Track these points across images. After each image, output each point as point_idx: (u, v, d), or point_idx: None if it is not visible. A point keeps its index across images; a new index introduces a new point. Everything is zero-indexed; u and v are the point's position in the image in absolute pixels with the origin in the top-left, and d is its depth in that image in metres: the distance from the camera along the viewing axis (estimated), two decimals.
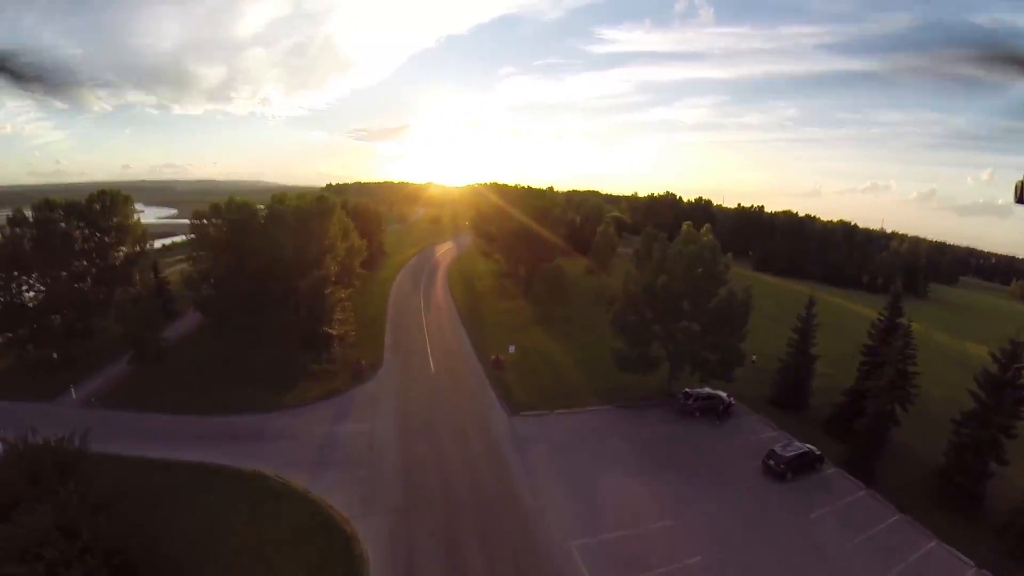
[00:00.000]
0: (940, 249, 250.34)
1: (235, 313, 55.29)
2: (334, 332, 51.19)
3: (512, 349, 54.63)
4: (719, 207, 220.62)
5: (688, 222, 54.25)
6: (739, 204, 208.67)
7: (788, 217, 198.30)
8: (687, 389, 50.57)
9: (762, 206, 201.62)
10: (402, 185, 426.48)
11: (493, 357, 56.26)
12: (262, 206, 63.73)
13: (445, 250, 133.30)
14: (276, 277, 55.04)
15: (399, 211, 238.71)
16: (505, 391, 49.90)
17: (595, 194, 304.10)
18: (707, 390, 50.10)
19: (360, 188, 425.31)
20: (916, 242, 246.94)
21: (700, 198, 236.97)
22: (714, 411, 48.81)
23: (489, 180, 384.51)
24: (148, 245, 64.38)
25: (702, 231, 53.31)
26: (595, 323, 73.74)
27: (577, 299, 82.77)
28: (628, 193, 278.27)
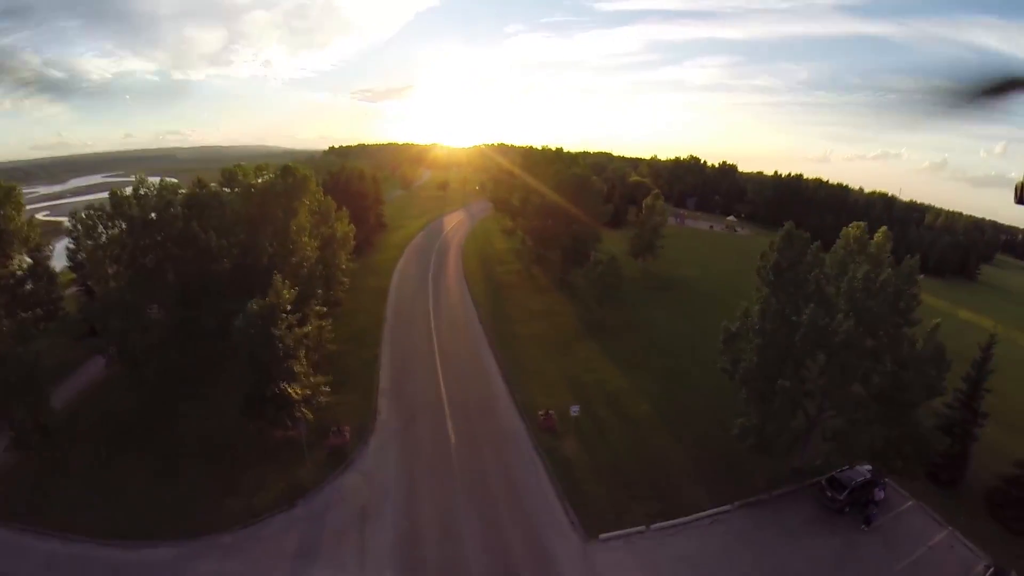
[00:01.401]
0: (978, 226, 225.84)
1: (152, 354, 35.52)
2: (293, 393, 31.38)
3: (576, 411, 34.95)
4: (757, 174, 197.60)
5: (858, 223, 33.84)
6: (776, 172, 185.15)
7: (830, 188, 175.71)
8: (835, 473, 31.85)
9: (800, 174, 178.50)
10: (407, 147, 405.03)
11: (542, 414, 36.76)
12: (214, 184, 43.59)
13: (455, 222, 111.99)
14: (212, 297, 35.27)
15: (403, 175, 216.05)
16: (570, 485, 30.60)
17: (609, 156, 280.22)
18: (858, 471, 32.32)
19: (363, 151, 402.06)
20: (952, 217, 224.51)
21: (724, 162, 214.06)
22: (866, 503, 31.00)
23: (496, 141, 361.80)
24: (48, 252, 43.54)
25: (876, 238, 33.16)
26: (664, 334, 54.04)
27: (629, 294, 62.61)
28: (640, 155, 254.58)
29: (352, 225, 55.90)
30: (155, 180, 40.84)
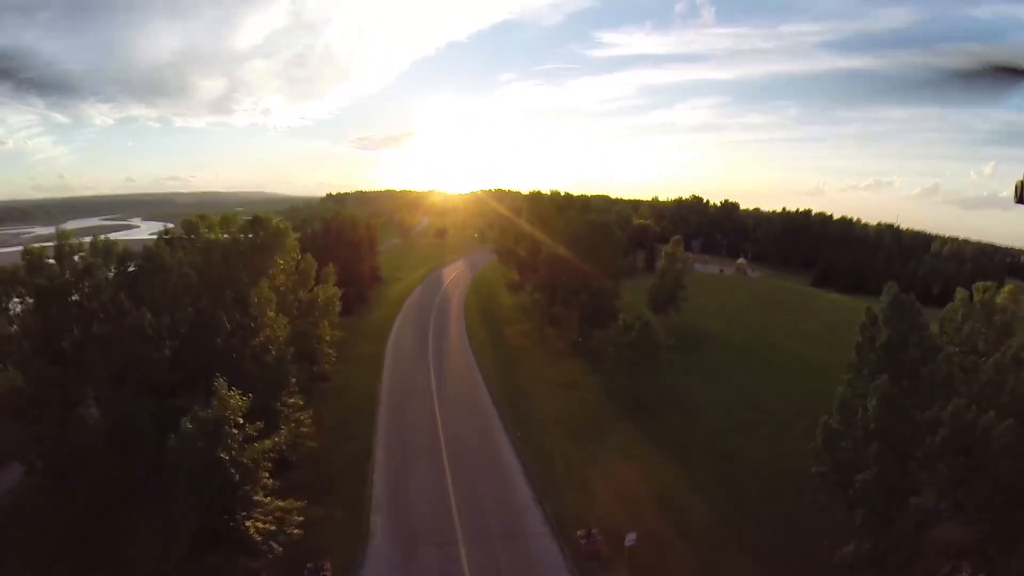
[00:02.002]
0: (984, 252, 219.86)
1: (81, 463, 27.12)
2: (253, 530, 22.80)
3: (632, 539, 26.34)
4: (757, 211, 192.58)
5: (984, 284, 26.31)
6: (784, 208, 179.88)
7: (838, 222, 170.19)
8: None
9: (809, 209, 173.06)
10: (404, 194, 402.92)
11: (582, 536, 28.11)
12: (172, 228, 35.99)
13: (456, 274, 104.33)
14: (148, 394, 27.03)
15: (400, 221, 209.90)
16: None
17: (606, 199, 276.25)
18: None
19: (360, 197, 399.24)
20: (959, 244, 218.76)
21: (726, 201, 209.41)
22: None
23: (493, 187, 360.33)
24: None
25: (1002, 295, 25.64)
26: (707, 407, 45.68)
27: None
28: (635, 196, 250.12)
29: (338, 288, 47.83)
30: (104, 237, 33.26)
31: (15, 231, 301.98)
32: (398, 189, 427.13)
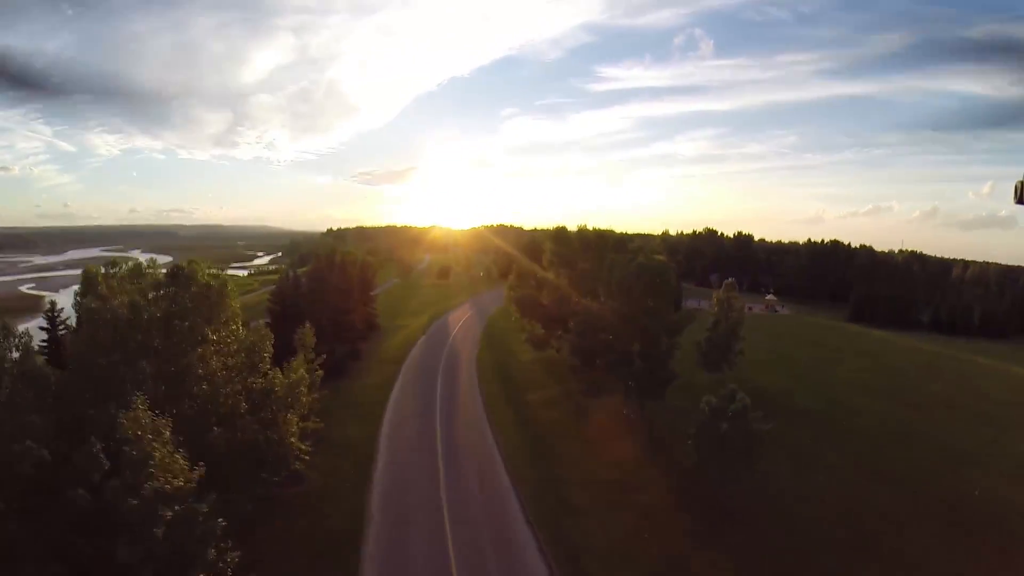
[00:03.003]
0: (1006, 274, 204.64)
1: None
2: None
3: None
4: (777, 243, 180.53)
5: None
6: (809, 239, 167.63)
7: (867, 251, 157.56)
8: None
9: (836, 240, 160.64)
10: (405, 229, 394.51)
11: None
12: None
13: (463, 320, 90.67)
14: None
15: (401, 258, 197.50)
16: None
17: (612, 233, 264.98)
18: None
19: (361, 233, 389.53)
20: (980, 267, 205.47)
21: (740, 232, 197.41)
22: None
23: (495, 222, 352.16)
24: None
25: None
26: (808, 509, 32.24)
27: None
28: (639, 229, 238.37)
29: (312, 361, 34.61)
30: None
31: (14, 259, 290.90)
32: (399, 224, 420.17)
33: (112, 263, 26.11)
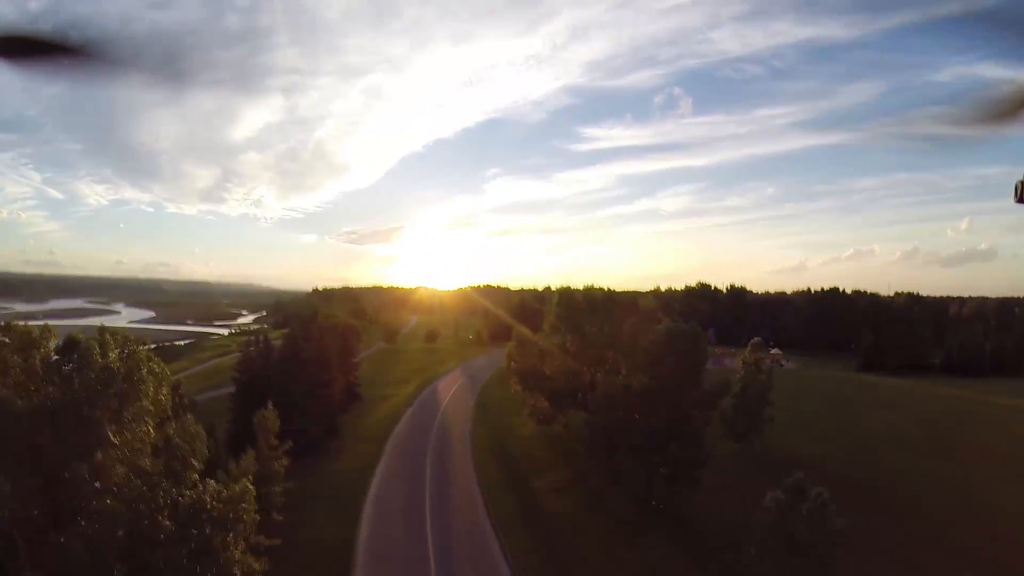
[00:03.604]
0: (1004, 306, 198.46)
1: None
2: None
3: None
4: (770, 294, 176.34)
5: None
6: (808, 288, 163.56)
7: (869, 297, 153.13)
8: None
9: (836, 287, 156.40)
10: (391, 290, 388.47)
11: None
12: None
13: (454, 390, 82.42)
14: None
15: (387, 320, 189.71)
16: None
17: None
18: None
19: (348, 293, 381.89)
20: (979, 303, 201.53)
21: (733, 285, 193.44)
22: None
23: (482, 282, 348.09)
24: None
25: None
26: None
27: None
28: (624, 286, 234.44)
29: (246, 483, 26.76)
30: None
31: None
32: (386, 285, 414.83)
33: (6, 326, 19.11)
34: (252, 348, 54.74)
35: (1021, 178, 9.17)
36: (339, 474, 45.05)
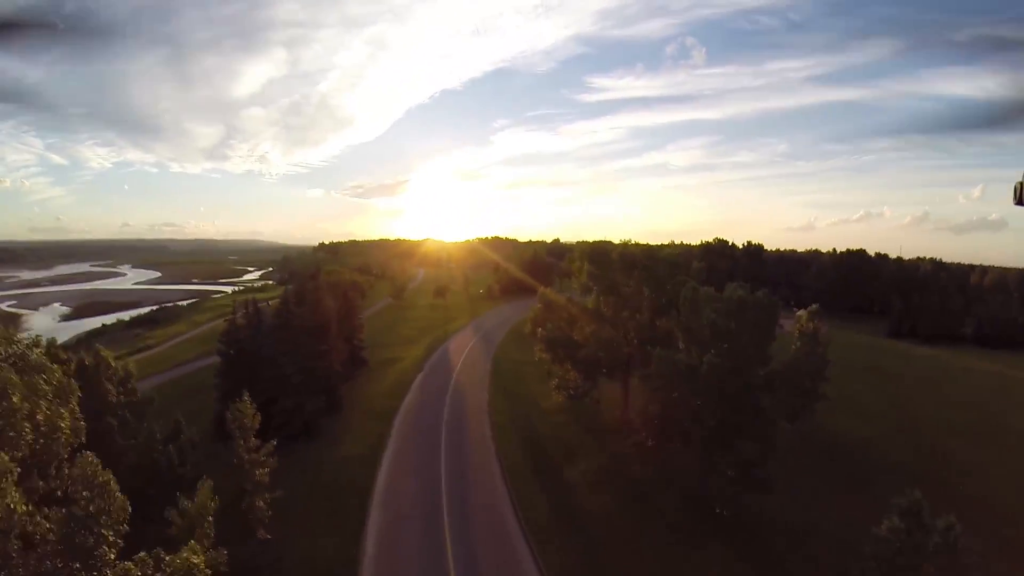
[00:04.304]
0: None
1: None
2: None
3: None
4: (791, 252, 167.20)
5: None
6: (834, 249, 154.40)
7: (895, 261, 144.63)
8: None
9: (862, 249, 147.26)
10: (398, 243, 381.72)
11: None
12: None
13: (467, 351, 75.59)
14: None
15: (394, 274, 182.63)
16: None
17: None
18: None
19: (354, 247, 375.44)
20: (1000, 274, 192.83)
21: (750, 242, 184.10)
22: None
23: (490, 235, 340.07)
24: None
25: None
26: None
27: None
28: (633, 238, 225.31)
29: (195, 557, 19.92)
30: None
31: (2, 274, 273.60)
32: (392, 238, 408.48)
33: None
34: (239, 315, 47.71)
35: (1021, 179, 10.17)
36: (339, 465, 38.61)
